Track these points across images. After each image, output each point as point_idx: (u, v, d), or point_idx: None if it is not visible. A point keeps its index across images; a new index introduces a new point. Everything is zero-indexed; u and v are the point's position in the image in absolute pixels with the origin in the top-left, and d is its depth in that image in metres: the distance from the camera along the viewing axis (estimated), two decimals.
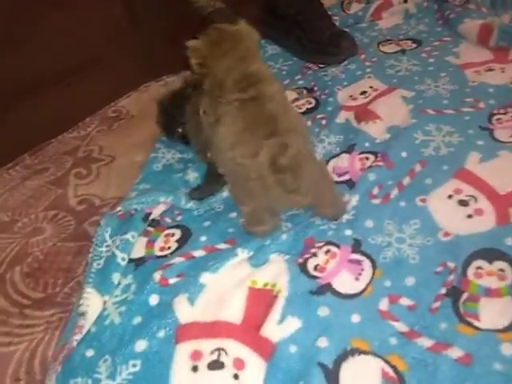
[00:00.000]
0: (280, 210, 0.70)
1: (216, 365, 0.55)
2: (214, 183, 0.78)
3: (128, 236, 0.68)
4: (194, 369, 0.55)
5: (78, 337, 0.58)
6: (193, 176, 0.82)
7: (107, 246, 0.68)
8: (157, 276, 0.65)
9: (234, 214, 0.74)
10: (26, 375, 0.59)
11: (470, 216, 0.66)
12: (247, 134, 0.60)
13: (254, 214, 0.67)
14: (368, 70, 0.99)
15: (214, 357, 0.55)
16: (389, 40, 1.08)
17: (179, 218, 0.76)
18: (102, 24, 1.02)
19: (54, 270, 0.71)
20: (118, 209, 0.73)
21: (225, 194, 0.78)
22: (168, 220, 0.75)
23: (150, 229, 0.73)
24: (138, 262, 0.68)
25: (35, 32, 0.96)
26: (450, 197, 0.69)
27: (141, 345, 0.57)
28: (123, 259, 0.67)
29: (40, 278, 0.70)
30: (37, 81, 0.99)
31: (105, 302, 0.62)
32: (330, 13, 1.13)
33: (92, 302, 0.61)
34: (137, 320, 0.60)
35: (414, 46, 1.05)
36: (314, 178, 0.62)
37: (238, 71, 0.62)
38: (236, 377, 0.54)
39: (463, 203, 0.68)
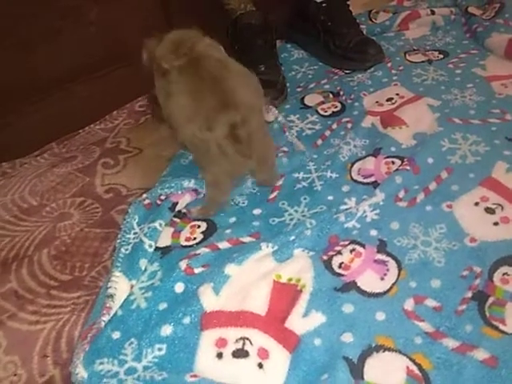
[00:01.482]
0: (237, 175, 0.74)
1: (241, 353, 0.55)
2: None
3: (156, 224, 0.69)
4: (219, 356, 0.55)
5: (105, 318, 0.59)
6: None
7: (135, 233, 0.69)
8: (183, 265, 0.66)
9: (258, 211, 0.75)
10: (52, 353, 0.59)
11: (496, 223, 0.67)
12: (197, 105, 0.63)
13: (217, 182, 0.71)
14: (394, 77, 1.00)
15: (239, 345, 0.56)
16: (415, 50, 1.09)
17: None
18: (136, 20, 1.04)
19: (81, 254, 0.72)
20: (144, 196, 0.74)
21: (249, 190, 0.79)
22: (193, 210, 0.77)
23: (177, 220, 0.74)
24: (164, 251, 0.69)
25: (69, 24, 0.98)
26: (476, 204, 0.70)
27: (166, 330, 0.58)
28: (150, 246, 0.68)
29: (67, 261, 0.71)
30: (68, 72, 1.01)
31: (132, 286, 0.64)
32: (357, 21, 1.14)
33: (120, 286, 0.62)
34: (162, 306, 0.61)
35: (441, 56, 1.06)
36: (263, 149, 0.69)
37: (171, 42, 0.67)
38: (260, 366, 0.54)
39: (490, 211, 0.69)
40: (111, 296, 0.60)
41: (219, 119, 0.61)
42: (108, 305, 0.59)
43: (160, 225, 0.70)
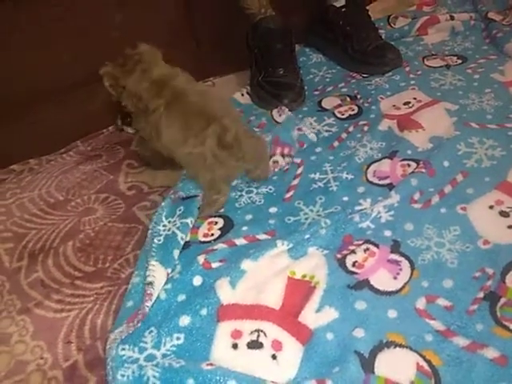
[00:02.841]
0: (233, 178, 0.82)
1: (255, 344, 0.57)
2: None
3: (188, 221, 0.73)
4: (234, 346, 0.58)
5: (148, 304, 0.61)
6: None
7: (164, 226, 0.73)
8: (201, 259, 0.68)
9: (274, 209, 0.78)
10: (76, 339, 0.62)
11: (510, 227, 0.68)
12: (188, 130, 0.72)
13: (215, 186, 0.76)
14: (412, 81, 1.01)
15: (254, 337, 0.58)
16: (434, 55, 1.10)
17: (222, 210, 0.79)
18: (160, 24, 1.07)
19: (105, 247, 0.75)
20: (173, 191, 0.78)
21: (264, 189, 0.81)
22: None
23: None
24: (183, 246, 0.72)
25: (93, 27, 1.02)
26: (491, 207, 0.71)
27: (185, 320, 0.60)
28: (182, 239, 0.71)
29: (91, 254, 0.74)
30: (92, 73, 1.04)
31: (167, 274, 0.66)
32: (376, 26, 1.16)
33: (157, 274, 0.65)
34: (181, 297, 0.64)
35: (459, 62, 1.06)
36: (253, 148, 0.76)
37: (145, 81, 0.75)
38: (274, 357, 0.56)
39: (504, 214, 0.69)
40: (151, 283, 0.63)
41: (207, 133, 0.71)
42: (149, 291, 0.62)
43: (191, 222, 0.74)
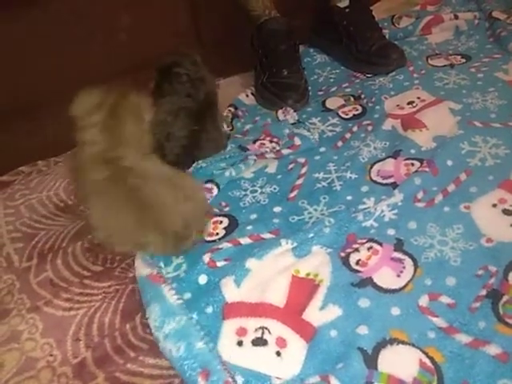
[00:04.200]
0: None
1: (260, 341, 0.58)
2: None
3: None
4: (239, 343, 0.58)
5: None
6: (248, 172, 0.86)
7: None
8: (206, 258, 0.69)
9: (278, 209, 0.78)
10: (84, 337, 0.64)
11: None
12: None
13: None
14: (416, 81, 1.01)
15: (258, 334, 0.59)
16: (438, 54, 1.10)
17: (226, 209, 0.80)
18: (166, 26, 1.08)
19: None
20: None
21: (269, 189, 0.82)
22: (216, 210, 0.80)
23: None
24: None
25: (100, 30, 1.03)
26: (494, 205, 0.71)
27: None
28: None
29: (99, 254, 0.76)
30: (98, 77, 1.05)
31: None
32: (380, 26, 1.16)
33: None
34: (187, 296, 0.65)
35: (463, 61, 1.06)
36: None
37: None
38: (278, 354, 0.57)
39: (507, 212, 0.70)
40: None
41: None
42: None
43: None
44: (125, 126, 0.69)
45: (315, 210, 0.77)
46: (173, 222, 0.66)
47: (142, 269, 0.68)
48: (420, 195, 0.75)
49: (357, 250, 0.68)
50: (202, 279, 0.67)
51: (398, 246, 0.68)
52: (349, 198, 0.77)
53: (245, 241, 0.72)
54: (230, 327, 0.60)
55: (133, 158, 0.68)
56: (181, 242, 0.68)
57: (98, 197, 0.67)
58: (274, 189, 0.82)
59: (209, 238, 0.74)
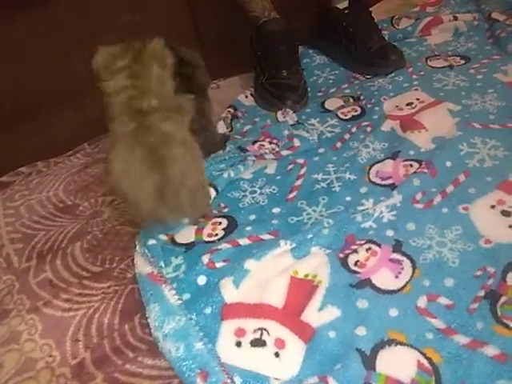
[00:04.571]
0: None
1: (258, 342, 0.58)
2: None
3: None
4: (238, 344, 0.59)
5: None
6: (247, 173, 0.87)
7: None
8: (205, 259, 0.69)
9: (277, 210, 0.78)
10: (84, 337, 0.64)
11: (511, 226, 0.68)
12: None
13: None
14: (415, 82, 1.02)
15: (257, 335, 0.59)
16: (437, 55, 1.10)
17: (226, 210, 0.80)
18: (165, 26, 1.09)
19: (112, 247, 0.76)
20: None
21: (268, 190, 0.83)
22: (215, 211, 0.80)
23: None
24: (188, 246, 0.73)
25: (101, 28, 1.03)
26: (492, 207, 0.71)
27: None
28: None
29: (99, 254, 0.76)
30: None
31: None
32: (379, 27, 1.16)
33: None
34: (186, 296, 0.65)
35: (463, 62, 1.06)
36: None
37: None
38: (277, 355, 0.57)
39: (506, 214, 0.70)
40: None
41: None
42: None
43: None
44: (151, 70, 0.67)
45: (314, 210, 0.77)
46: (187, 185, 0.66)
47: (142, 267, 0.68)
48: (419, 196, 0.75)
49: (355, 251, 0.68)
50: (201, 280, 0.67)
51: (397, 247, 0.68)
52: (348, 199, 0.77)
53: (244, 242, 0.72)
54: (228, 328, 0.60)
55: (159, 113, 0.66)
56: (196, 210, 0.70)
57: (122, 152, 0.66)
58: (273, 190, 0.82)
59: (208, 239, 0.74)
